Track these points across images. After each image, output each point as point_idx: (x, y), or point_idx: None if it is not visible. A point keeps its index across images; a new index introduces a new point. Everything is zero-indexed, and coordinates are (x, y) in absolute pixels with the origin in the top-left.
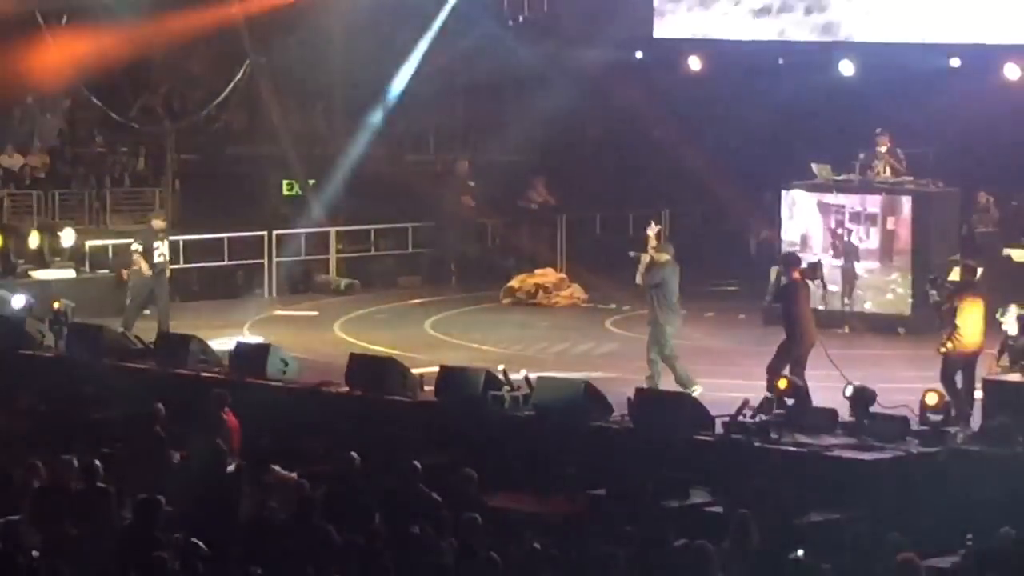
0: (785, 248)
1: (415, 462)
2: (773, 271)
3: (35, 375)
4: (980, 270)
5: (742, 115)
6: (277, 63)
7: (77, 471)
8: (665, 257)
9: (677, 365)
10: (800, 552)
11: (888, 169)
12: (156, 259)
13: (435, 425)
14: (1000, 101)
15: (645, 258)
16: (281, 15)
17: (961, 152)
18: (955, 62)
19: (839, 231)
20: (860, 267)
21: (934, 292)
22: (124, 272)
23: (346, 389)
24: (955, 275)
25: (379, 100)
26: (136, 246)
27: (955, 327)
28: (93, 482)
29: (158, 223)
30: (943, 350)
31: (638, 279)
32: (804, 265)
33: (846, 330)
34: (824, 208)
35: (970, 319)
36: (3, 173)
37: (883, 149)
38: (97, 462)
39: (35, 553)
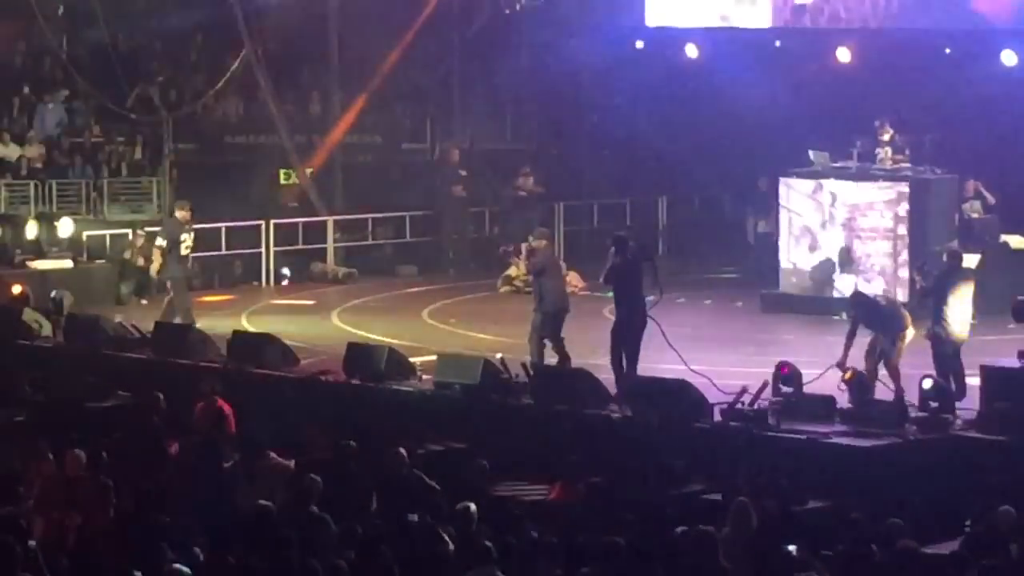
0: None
1: (401, 449)
2: (611, 252)
3: (33, 365)
4: (979, 257)
5: (739, 102)
6: (273, 52)
7: (80, 462)
8: (543, 243)
9: (564, 349)
10: (792, 548)
11: (889, 158)
12: (183, 251)
13: (434, 413)
14: (998, 87)
15: (525, 248)
16: (278, 3)
17: (959, 138)
18: (948, 49)
19: (836, 218)
20: (857, 253)
21: (919, 278)
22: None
23: (344, 378)
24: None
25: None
26: (160, 241)
27: (944, 313)
28: (96, 473)
29: (182, 214)
30: (941, 334)
31: (522, 268)
32: (632, 245)
33: (842, 316)
34: (821, 195)
35: (958, 305)
36: (0, 164)
37: (885, 138)
38: (105, 454)
39: (32, 543)
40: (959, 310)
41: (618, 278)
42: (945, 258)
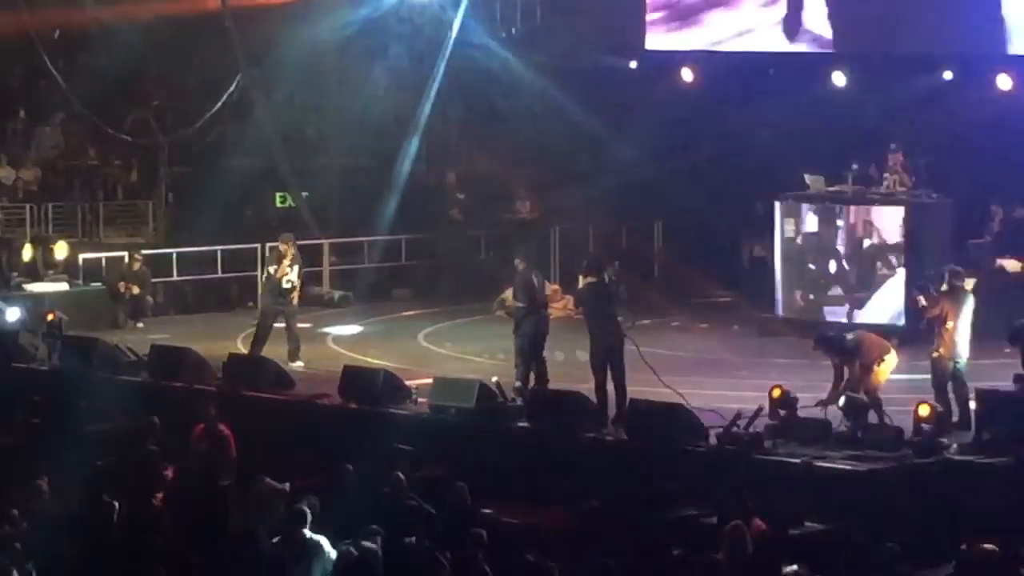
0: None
1: (399, 473)
2: (580, 279)
3: (29, 388)
4: (972, 280)
5: (735, 126)
6: (269, 75)
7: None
8: (522, 265)
9: (531, 366)
10: (795, 567)
11: (897, 184)
12: (283, 285)
13: (429, 437)
14: (993, 111)
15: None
16: (273, 27)
17: (954, 162)
18: (948, 74)
19: (831, 242)
20: (853, 277)
21: (921, 298)
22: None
23: (339, 401)
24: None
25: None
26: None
27: (946, 334)
28: (98, 496)
29: (282, 247)
30: (935, 355)
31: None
32: (601, 267)
33: None
34: (816, 219)
35: (960, 326)
36: None
37: (893, 163)
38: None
39: (28, 566)
40: (961, 332)
41: (591, 302)
42: (947, 280)
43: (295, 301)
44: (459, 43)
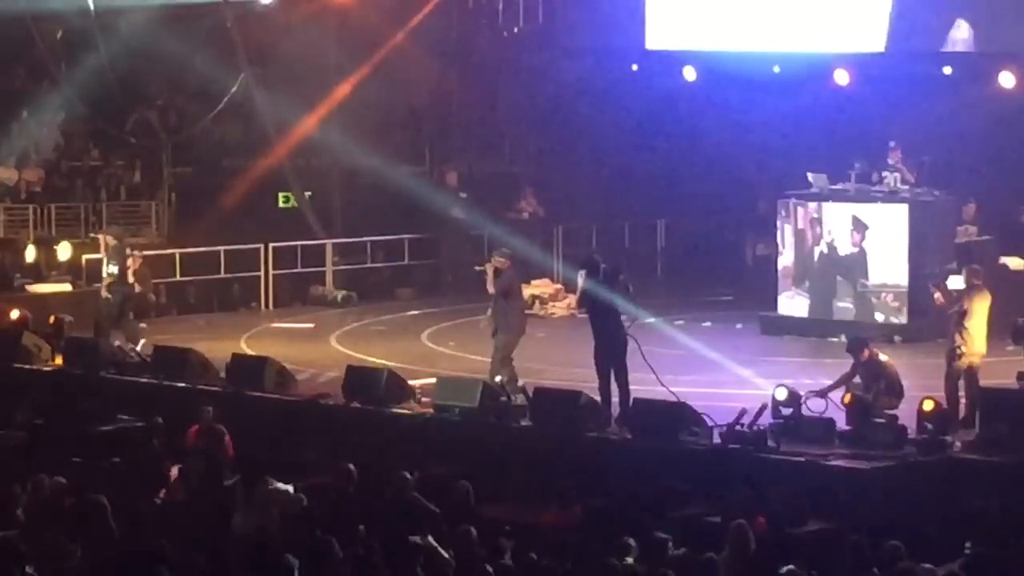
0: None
1: (405, 473)
2: (580, 276)
3: (32, 389)
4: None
5: (737, 125)
6: (272, 75)
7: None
8: (507, 263)
9: (504, 371)
10: (791, 567)
11: (897, 182)
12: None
13: (432, 436)
14: (995, 109)
15: (490, 268)
16: (275, 27)
17: (957, 160)
18: (947, 70)
19: (835, 240)
20: (856, 275)
21: (938, 294)
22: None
23: (343, 401)
24: (952, 283)
25: None
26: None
27: (965, 330)
28: (86, 495)
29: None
30: (960, 351)
31: (490, 288)
32: (604, 267)
33: (841, 339)
34: (819, 217)
35: (979, 322)
36: None
37: (892, 161)
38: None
39: (29, 569)
40: (977, 328)
41: (592, 301)
42: (965, 274)
43: (105, 292)
44: (463, 41)
